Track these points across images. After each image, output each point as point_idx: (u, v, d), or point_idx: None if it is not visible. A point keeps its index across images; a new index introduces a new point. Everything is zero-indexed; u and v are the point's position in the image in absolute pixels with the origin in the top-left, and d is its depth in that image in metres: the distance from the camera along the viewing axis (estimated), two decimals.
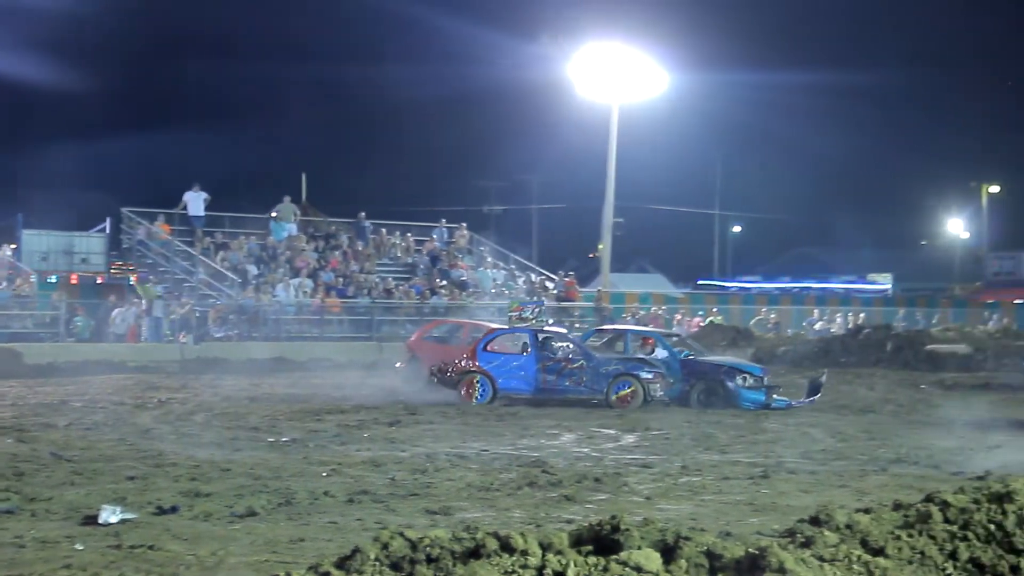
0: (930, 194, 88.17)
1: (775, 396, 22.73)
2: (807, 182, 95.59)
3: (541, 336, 23.34)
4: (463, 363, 22.62)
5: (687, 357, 23.53)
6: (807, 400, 22.90)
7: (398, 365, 26.34)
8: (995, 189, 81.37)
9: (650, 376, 22.19)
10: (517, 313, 26.17)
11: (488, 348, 22.94)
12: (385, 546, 5.89)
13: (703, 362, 23.56)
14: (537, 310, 24.84)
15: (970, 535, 6.26)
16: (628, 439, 17.29)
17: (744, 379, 22.68)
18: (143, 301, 34.62)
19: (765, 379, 23.14)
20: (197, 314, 34.04)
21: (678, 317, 45.34)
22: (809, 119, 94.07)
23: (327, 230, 42.10)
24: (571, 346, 23.21)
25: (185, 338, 33.33)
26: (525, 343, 23.15)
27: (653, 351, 23.63)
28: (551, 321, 28.52)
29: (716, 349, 31.39)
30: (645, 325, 35.65)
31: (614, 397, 22.03)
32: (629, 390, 22.07)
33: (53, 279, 36.45)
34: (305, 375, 29.07)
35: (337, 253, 40.01)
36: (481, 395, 22.26)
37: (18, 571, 8.37)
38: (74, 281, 37.57)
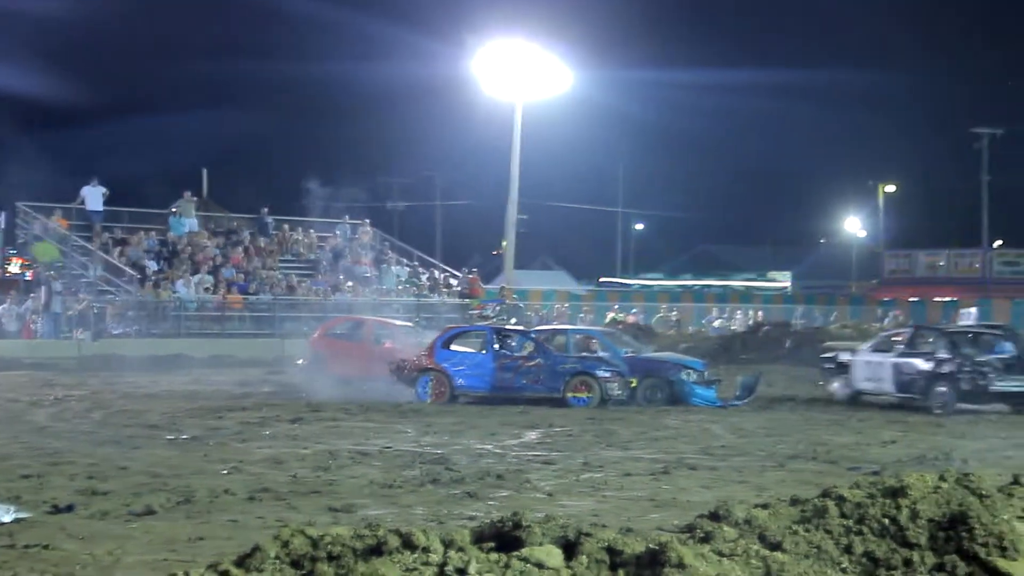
0: (828, 193, 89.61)
1: (702, 390, 22.64)
2: (709, 181, 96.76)
3: (500, 334, 23.33)
4: (420, 360, 22.55)
5: (628, 354, 23.57)
6: (742, 399, 22.99)
7: (300, 362, 26.20)
8: (891, 188, 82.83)
9: (607, 375, 22.15)
10: (478, 311, 26.25)
11: (446, 346, 22.88)
12: (286, 544, 5.85)
13: (647, 359, 23.66)
14: (498, 308, 24.91)
15: (865, 529, 6.36)
16: (531, 436, 17.33)
17: (688, 374, 22.78)
18: (42, 290, 34.05)
19: (706, 374, 23.27)
20: (95, 310, 33.55)
21: (615, 315, 45.57)
22: (711, 118, 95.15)
23: (228, 226, 41.72)
24: (529, 344, 23.16)
25: (82, 335, 32.83)
26: (484, 341, 23.12)
27: (595, 350, 23.70)
28: (514, 320, 28.70)
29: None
30: (549, 323, 35.75)
31: (571, 395, 21.99)
32: (586, 389, 22.04)
33: None
34: (206, 372, 28.81)
35: (239, 249, 39.66)
36: (434, 394, 22.23)
37: None
38: None
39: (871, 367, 23.02)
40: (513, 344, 23.25)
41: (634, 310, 48.41)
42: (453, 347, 23.03)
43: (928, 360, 22.19)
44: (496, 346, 22.85)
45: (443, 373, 22.43)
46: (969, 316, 38.99)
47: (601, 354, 23.35)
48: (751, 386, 23.44)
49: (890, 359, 22.69)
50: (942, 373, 21.78)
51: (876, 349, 23.70)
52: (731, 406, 22.23)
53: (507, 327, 24.18)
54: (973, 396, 21.55)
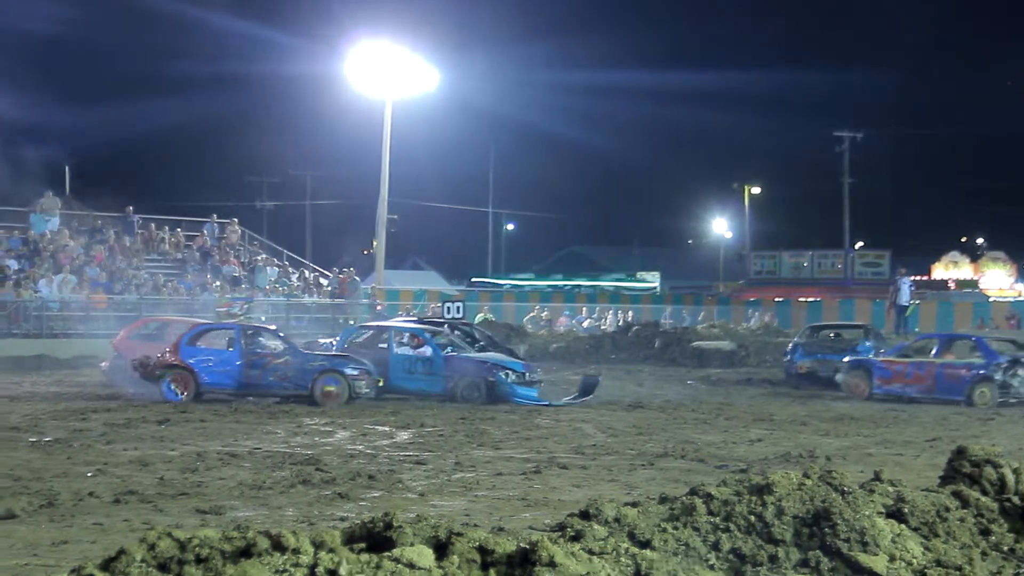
0: (696, 194, 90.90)
1: (522, 389, 23.10)
2: (579, 182, 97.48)
3: (246, 331, 23.32)
4: (166, 357, 22.35)
5: (451, 353, 23.80)
6: (578, 399, 23.32)
7: (103, 364, 25.88)
8: (756, 190, 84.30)
9: (355, 372, 22.27)
10: (226, 309, 26.22)
11: (191, 343, 22.71)
12: (152, 547, 5.76)
13: (467, 359, 23.83)
14: (245, 306, 24.92)
15: (732, 526, 6.46)
16: (402, 436, 17.30)
17: (507, 375, 23.14)
18: None
19: (527, 375, 23.60)
20: None
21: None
22: (581, 119, 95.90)
23: (92, 224, 40.91)
24: (277, 342, 23.14)
25: None
26: (230, 338, 23.02)
27: (420, 347, 23.83)
28: (263, 318, 28.76)
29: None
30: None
31: (319, 393, 21.98)
32: (334, 387, 22.06)
33: None
34: (70, 373, 28.24)
35: (103, 248, 38.91)
36: (181, 392, 22.00)
37: None
38: None
39: None
40: (261, 341, 23.28)
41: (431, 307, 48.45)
42: (199, 344, 22.91)
43: None
44: (243, 343, 22.76)
45: (189, 370, 22.24)
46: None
47: (415, 350, 23.69)
48: (591, 386, 23.94)
49: None
50: None
51: None
52: (556, 405, 22.56)
53: (255, 324, 24.28)
54: None
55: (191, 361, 22.25)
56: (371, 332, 25.54)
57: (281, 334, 23.75)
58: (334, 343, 24.91)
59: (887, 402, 23.90)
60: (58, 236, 38.18)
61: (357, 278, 42.47)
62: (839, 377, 26.36)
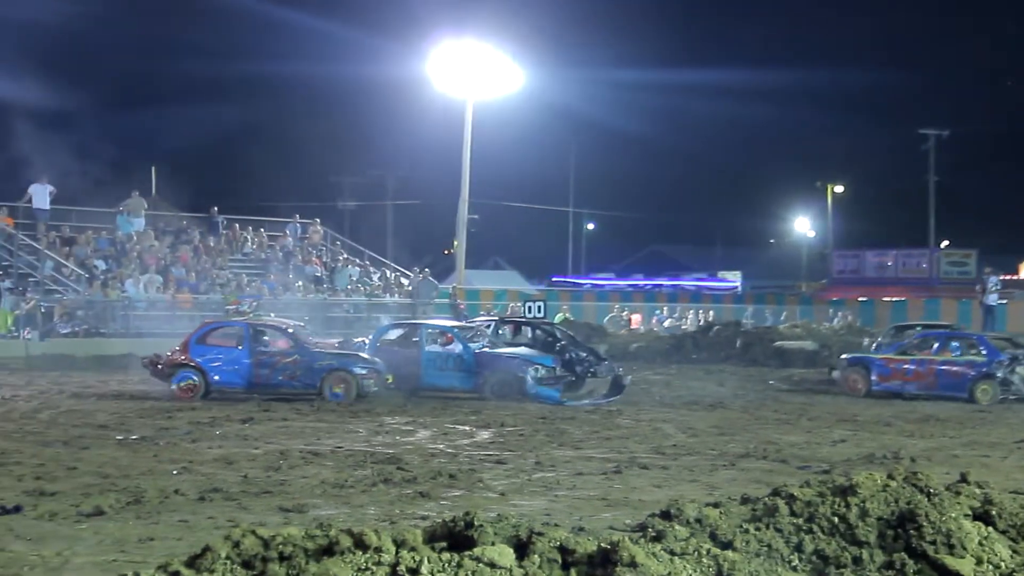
0: (778, 193, 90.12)
1: (552, 388, 23.14)
2: (661, 181, 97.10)
3: (256, 330, 23.40)
4: (176, 356, 22.49)
5: (482, 350, 23.91)
6: (604, 399, 23.36)
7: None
8: (840, 189, 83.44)
9: (364, 371, 22.33)
10: (234, 306, 26.34)
11: (201, 341, 22.83)
12: (236, 544, 5.83)
13: (497, 355, 23.91)
14: (255, 304, 25.00)
15: (815, 528, 6.40)
16: (483, 435, 17.34)
17: (536, 370, 23.17)
18: None
19: (557, 370, 23.66)
20: (43, 310, 33.22)
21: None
22: (663, 118, 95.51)
23: (178, 225, 41.43)
24: (286, 340, 23.20)
25: (30, 334, 32.49)
26: (240, 337, 23.08)
27: (449, 344, 23.96)
28: (272, 315, 28.88)
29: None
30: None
31: (328, 391, 22.11)
32: (343, 385, 22.18)
33: None
34: None
35: (188, 248, 39.40)
36: (192, 390, 22.10)
37: None
38: None
39: None
40: (270, 340, 23.34)
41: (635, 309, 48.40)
42: (209, 343, 22.98)
43: None
44: (253, 342, 22.84)
45: (198, 369, 22.33)
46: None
47: (443, 348, 23.81)
48: (621, 385, 24.07)
49: None
50: None
51: None
52: (572, 404, 22.50)
53: (264, 322, 24.38)
54: None
55: (200, 360, 22.36)
56: (402, 330, 25.66)
57: (291, 331, 23.70)
58: (367, 342, 24.98)
59: (970, 404, 23.58)
60: (144, 237, 38.70)
61: (432, 279, 42.62)
62: (835, 374, 26.58)
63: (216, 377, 22.31)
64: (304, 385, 22.30)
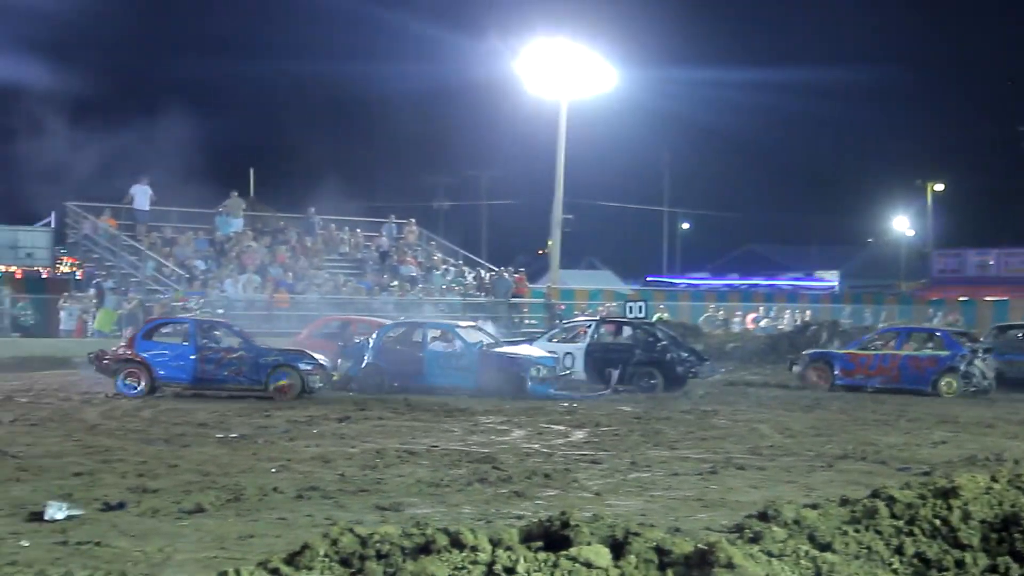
0: (876, 192, 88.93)
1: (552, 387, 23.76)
2: (756, 179, 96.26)
3: (201, 326, 23.55)
4: (121, 351, 22.59)
5: (483, 348, 24.23)
6: (600, 393, 24.11)
7: None
8: (940, 187, 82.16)
9: (309, 368, 22.48)
10: (182, 303, 26.56)
11: (148, 337, 22.96)
12: (335, 542, 5.88)
13: (499, 355, 24.20)
14: (202, 300, 25.29)
15: (916, 530, 6.32)
16: (578, 435, 17.32)
17: (538, 370, 23.55)
18: (92, 290, 34.41)
19: (556, 369, 24.12)
20: (145, 309, 33.78)
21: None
22: (758, 116, 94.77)
23: (275, 225, 41.90)
24: (232, 337, 23.35)
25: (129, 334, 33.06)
26: (185, 333, 23.20)
27: (451, 343, 24.45)
28: (220, 311, 29.09)
29: None
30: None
31: (272, 387, 22.23)
32: (287, 381, 22.31)
33: None
34: None
35: (285, 248, 39.84)
36: (137, 386, 22.22)
37: None
38: (19, 276, 37.22)
39: None
40: (216, 336, 23.42)
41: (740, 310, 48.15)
42: (155, 338, 23.13)
43: None
44: (198, 338, 22.89)
45: (144, 364, 22.39)
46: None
47: (446, 346, 24.38)
48: (681, 379, 25.05)
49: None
50: None
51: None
52: (559, 396, 23.12)
53: (210, 319, 24.59)
54: None
55: (146, 355, 22.46)
56: (405, 329, 25.92)
57: (236, 329, 23.95)
58: (370, 341, 25.19)
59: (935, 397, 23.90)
60: (242, 237, 39.19)
61: (507, 277, 42.65)
62: (796, 369, 27.04)
63: (161, 372, 22.42)
64: (250, 381, 22.49)
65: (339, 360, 25.48)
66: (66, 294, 35.08)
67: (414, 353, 24.33)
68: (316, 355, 23.00)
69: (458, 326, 25.64)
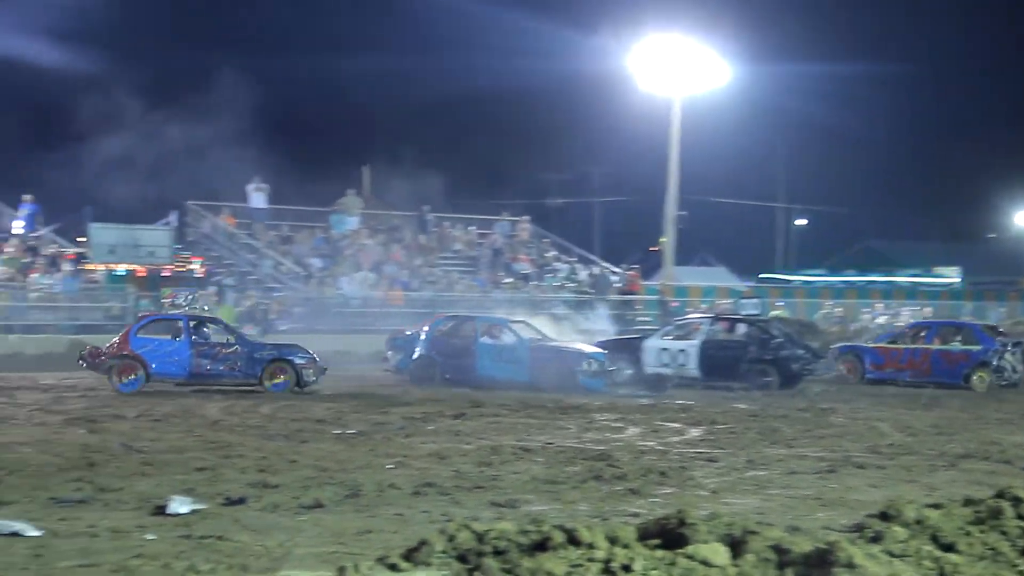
0: (997, 186, 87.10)
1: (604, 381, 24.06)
2: (873, 175, 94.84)
3: (195, 322, 23.71)
4: (116, 348, 22.68)
5: (535, 343, 24.54)
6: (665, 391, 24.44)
7: (387, 356, 26.71)
8: None
9: (303, 361, 22.89)
10: (170, 300, 26.79)
11: (142, 333, 23.05)
12: (452, 538, 5.92)
13: (551, 348, 24.54)
14: (190, 296, 25.55)
15: None
16: (693, 433, 17.23)
17: (589, 364, 23.84)
18: (212, 288, 35.02)
19: (606, 364, 24.26)
20: (262, 307, 34.30)
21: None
22: (875, 111, 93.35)
23: (390, 223, 42.27)
24: (226, 332, 23.63)
25: (251, 331, 33.57)
26: (179, 328, 23.30)
27: (502, 336, 24.89)
28: (206, 307, 29.19)
29: None
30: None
31: (268, 382, 22.52)
32: (282, 375, 22.71)
33: (121, 271, 36.81)
34: (369, 367, 29.19)
35: (400, 246, 40.18)
36: (135, 380, 22.35)
37: (91, 560, 8.47)
38: (141, 274, 37.93)
39: None
40: (210, 331, 23.56)
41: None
42: (149, 334, 23.22)
43: None
44: (192, 333, 23.02)
45: (138, 359, 22.46)
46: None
47: (496, 340, 24.79)
48: (795, 376, 25.06)
49: None
50: None
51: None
52: (613, 392, 23.38)
53: (201, 315, 24.81)
54: None
55: (141, 351, 22.61)
56: (457, 323, 26.28)
57: (227, 324, 24.32)
58: (422, 333, 25.41)
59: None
60: (358, 235, 39.61)
61: (609, 274, 42.53)
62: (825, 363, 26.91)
63: (156, 367, 22.60)
64: (245, 375, 22.81)
65: (389, 352, 25.92)
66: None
67: (467, 346, 24.80)
68: (309, 349, 23.58)
69: (511, 320, 26.04)
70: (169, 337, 23.37)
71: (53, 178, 34.51)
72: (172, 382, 22.93)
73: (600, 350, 24.81)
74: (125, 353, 22.63)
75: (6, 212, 36.67)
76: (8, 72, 38.48)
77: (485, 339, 24.93)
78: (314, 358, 23.21)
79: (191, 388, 22.69)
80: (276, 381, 22.76)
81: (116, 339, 23.14)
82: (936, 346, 26.50)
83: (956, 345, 26.56)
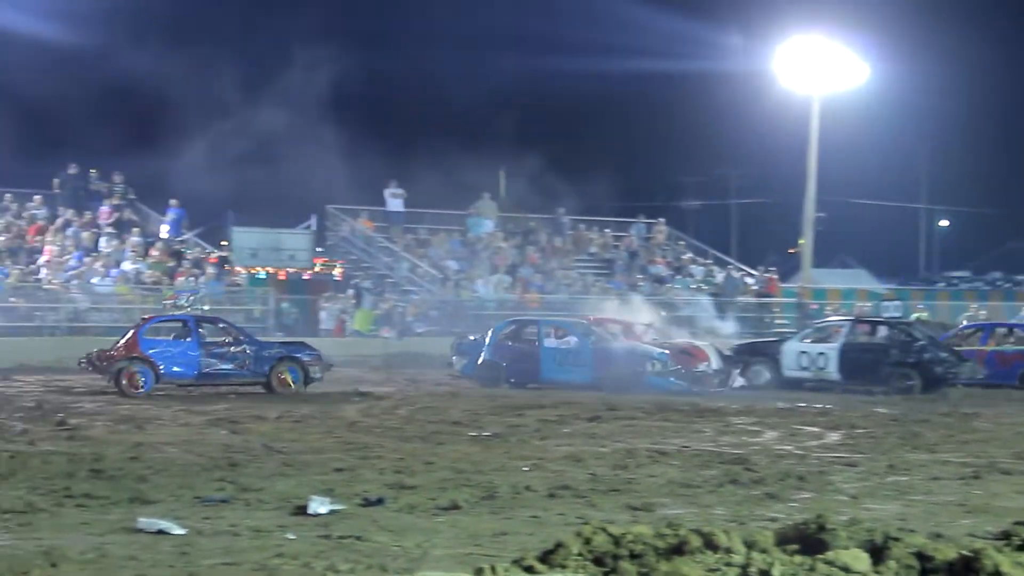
0: None
1: (672, 379, 23.87)
2: (1018, 174, 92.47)
3: (201, 322, 23.80)
4: (123, 350, 22.51)
5: (599, 344, 24.35)
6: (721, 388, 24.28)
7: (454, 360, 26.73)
8: None
9: (309, 359, 22.98)
10: (172, 301, 26.71)
11: (150, 335, 22.97)
12: (588, 541, 5.92)
13: (615, 349, 24.27)
14: (192, 297, 25.57)
15: None
16: (832, 437, 16.99)
17: (652, 364, 23.76)
18: (351, 291, 35.54)
19: (669, 364, 23.97)
20: (400, 309, 34.68)
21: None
22: (1018, 109, 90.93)
23: (525, 226, 42.40)
24: (232, 331, 23.63)
25: (388, 333, 33.96)
26: (187, 329, 23.24)
27: (565, 338, 24.91)
28: (206, 308, 29.04)
29: None
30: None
31: (276, 380, 22.53)
32: (291, 373, 22.75)
33: (262, 275, 37.52)
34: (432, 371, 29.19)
35: (535, 249, 40.28)
36: (145, 383, 22.20)
37: (233, 558, 8.65)
38: (282, 277, 38.62)
39: None
40: (217, 331, 23.56)
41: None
42: (157, 335, 23.15)
43: None
44: (201, 333, 22.98)
45: (148, 361, 22.29)
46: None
47: (559, 341, 24.88)
48: (939, 380, 24.61)
49: None
50: None
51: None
52: (691, 391, 23.18)
53: (205, 314, 24.82)
54: None
55: (150, 352, 22.52)
56: (519, 326, 26.29)
57: (232, 323, 24.52)
58: (486, 338, 25.47)
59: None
60: (493, 238, 39.82)
61: (735, 275, 42.07)
62: None
63: (164, 368, 22.50)
64: (254, 374, 22.83)
65: (454, 357, 25.99)
66: (326, 294, 36.25)
67: (530, 349, 24.85)
68: (314, 347, 23.91)
69: (573, 322, 26.17)
70: (178, 338, 23.55)
71: (198, 184, 35.24)
72: (180, 383, 22.94)
73: (663, 350, 24.70)
74: (135, 355, 22.64)
75: (153, 217, 37.60)
76: (157, 81, 39.41)
77: (549, 341, 24.99)
78: (319, 355, 23.47)
79: (199, 389, 22.86)
80: (284, 379, 22.91)
81: (123, 341, 23.06)
82: (990, 347, 26.70)
83: (1009, 346, 26.92)
